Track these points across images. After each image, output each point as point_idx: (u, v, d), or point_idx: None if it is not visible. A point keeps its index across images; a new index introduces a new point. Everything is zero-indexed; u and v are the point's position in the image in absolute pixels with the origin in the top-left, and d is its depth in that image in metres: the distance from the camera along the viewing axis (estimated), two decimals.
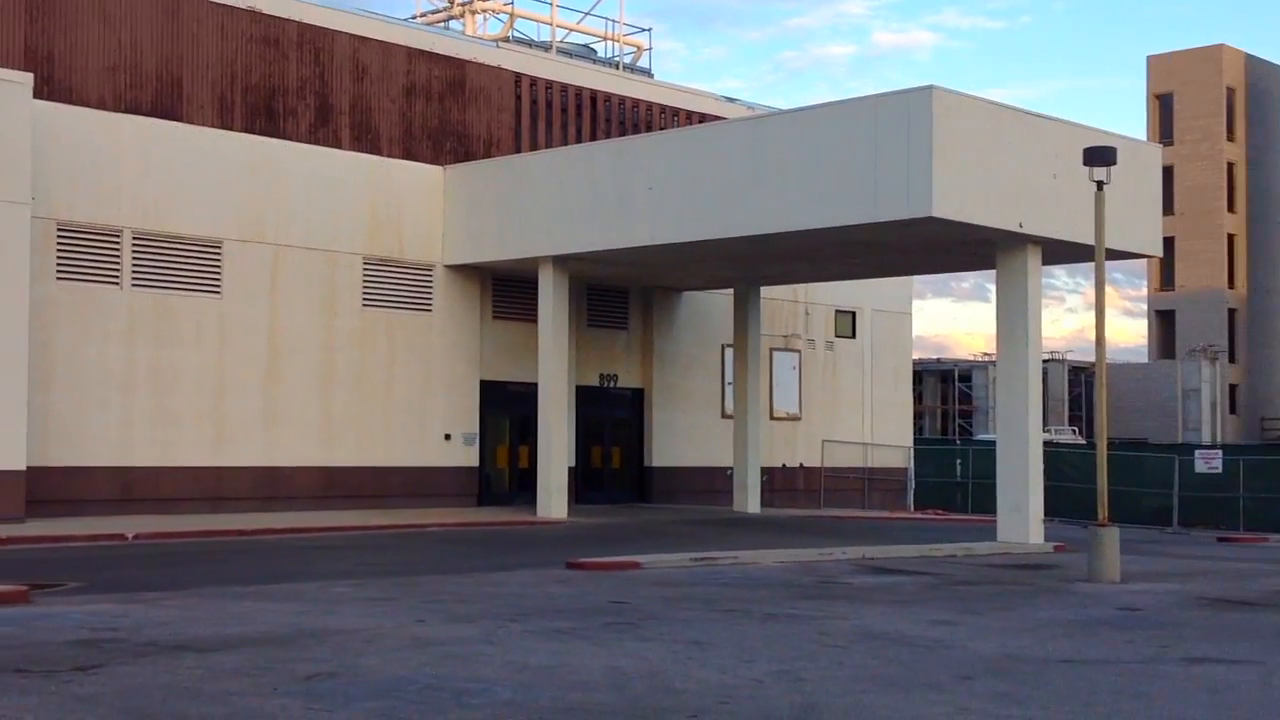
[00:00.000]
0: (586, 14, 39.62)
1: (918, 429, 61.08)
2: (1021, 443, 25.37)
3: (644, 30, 40.54)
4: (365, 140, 30.15)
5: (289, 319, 28.58)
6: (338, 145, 29.68)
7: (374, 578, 17.16)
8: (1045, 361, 70.04)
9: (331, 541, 22.95)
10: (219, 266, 27.77)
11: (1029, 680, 10.93)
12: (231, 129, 28.18)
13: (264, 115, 28.72)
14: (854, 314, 39.76)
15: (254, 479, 27.97)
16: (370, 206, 29.92)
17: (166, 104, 27.45)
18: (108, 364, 26.30)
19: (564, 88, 33.54)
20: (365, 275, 29.79)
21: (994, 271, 26.42)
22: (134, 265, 26.75)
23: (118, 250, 26.59)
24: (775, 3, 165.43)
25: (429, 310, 30.79)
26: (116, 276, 26.57)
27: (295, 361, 28.61)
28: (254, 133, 28.46)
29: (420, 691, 9.77)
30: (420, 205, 30.67)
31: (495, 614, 13.87)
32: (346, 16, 30.13)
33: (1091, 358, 22.28)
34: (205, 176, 27.63)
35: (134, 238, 26.76)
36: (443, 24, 39.00)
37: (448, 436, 30.90)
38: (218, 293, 27.73)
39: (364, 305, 29.74)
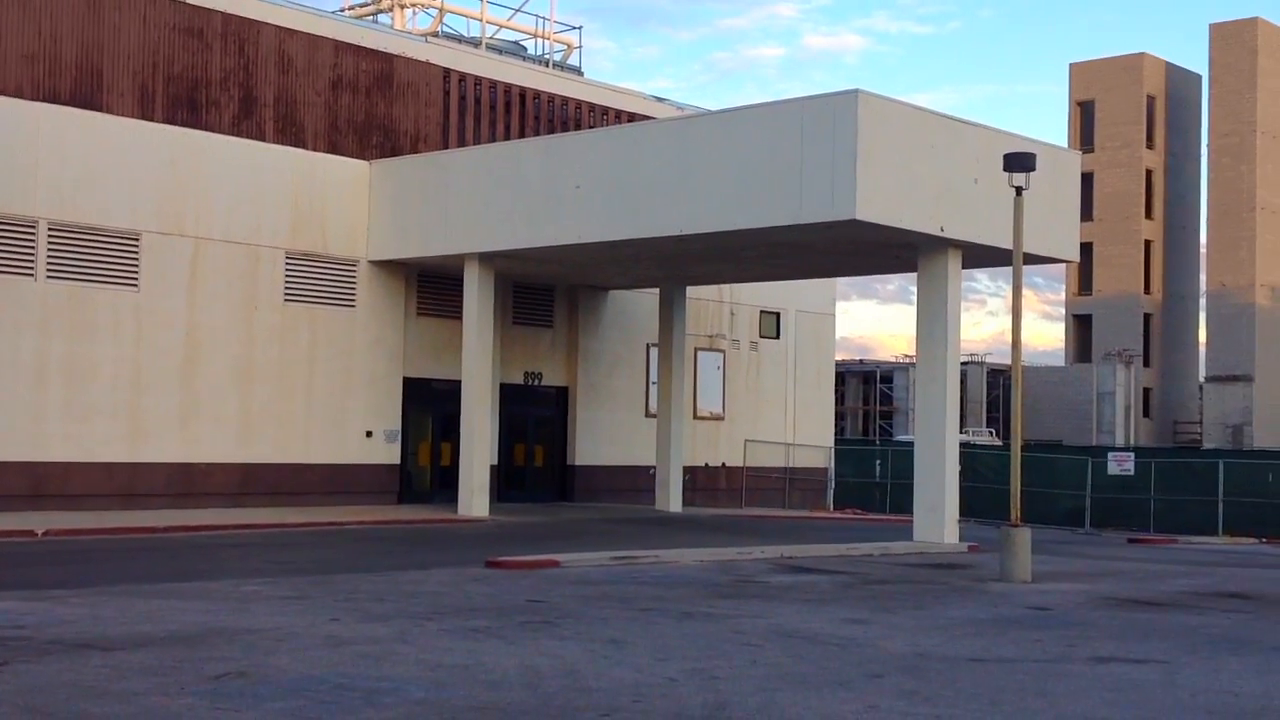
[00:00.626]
0: (517, 10, 39.50)
1: (839, 430, 61.61)
2: (939, 444, 25.70)
3: (574, 28, 40.53)
4: (290, 133, 29.83)
5: (208, 313, 28.22)
6: (261, 138, 29.33)
7: (288, 576, 17.00)
8: (964, 364, 71.06)
9: (247, 539, 22.70)
10: (137, 259, 27.35)
11: (938, 678, 11.09)
12: (152, 120, 27.75)
13: (186, 106, 28.32)
14: (778, 315, 40.03)
15: (169, 475, 27.58)
16: (294, 200, 29.61)
17: (86, 93, 26.97)
18: (20, 356, 25.80)
19: (493, 84, 33.41)
20: (288, 270, 29.48)
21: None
22: (49, 257, 26.27)
23: (32, 241, 26.09)
24: (707, 3, 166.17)
25: (352, 306, 30.54)
26: (31, 268, 26.08)
27: (214, 356, 28.26)
28: (175, 124, 28.05)
29: (331, 691, 9.71)
30: (345, 200, 30.41)
31: (411, 613, 13.82)
32: (272, 8, 29.78)
33: (1010, 360, 22.63)
34: (124, 167, 27.20)
35: (50, 229, 26.27)
36: (371, 17, 38.68)
37: (369, 433, 30.68)
38: (135, 286, 27.31)
39: (286, 300, 29.43)
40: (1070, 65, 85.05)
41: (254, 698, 9.40)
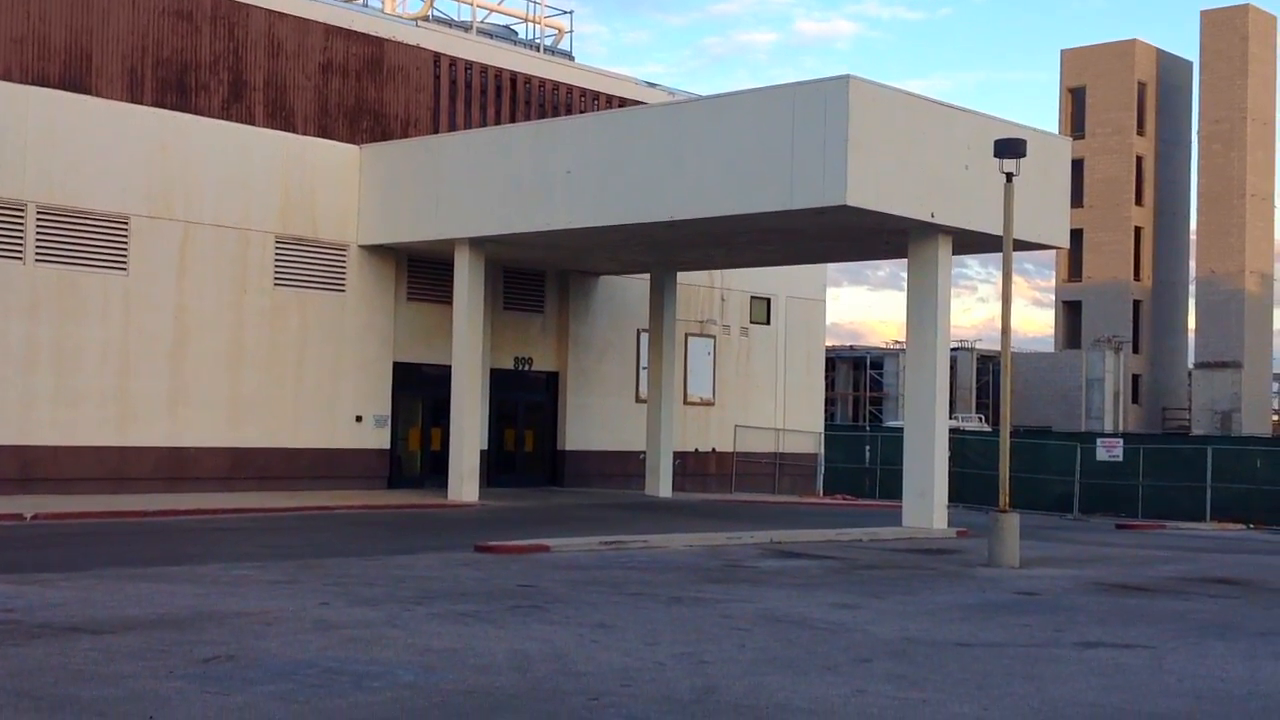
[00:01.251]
0: None
1: (829, 415, 61.72)
2: (928, 429, 25.74)
3: (565, 13, 40.41)
4: (280, 117, 29.73)
5: (197, 297, 28.15)
6: (251, 122, 29.23)
7: (278, 560, 17.00)
8: (954, 350, 71.13)
9: (236, 524, 22.69)
10: (126, 243, 27.27)
11: (926, 663, 11.13)
12: (141, 103, 27.65)
13: (175, 90, 28.21)
14: (769, 300, 40.04)
15: (159, 459, 27.54)
16: (283, 185, 29.53)
17: (75, 77, 26.85)
18: (8, 341, 25.73)
19: (484, 69, 33.33)
20: (277, 254, 29.41)
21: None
22: (38, 240, 26.18)
23: (21, 225, 26.00)
24: None
25: (342, 290, 30.49)
26: (20, 251, 25.98)
27: (203, 340, 28.20)
28: (165, 108, 27.94)
29: (320, 674, 9.72)
30: (335, 184, 30.33)
31: (400, 597, 13.83)
32: None
33: (1000, 346, 22.66)
34: (113, 151, 27.10)
35: (39, 212, 26.18)
36: (361, 1, 38.51)
37: (359, 418, 30.65)
38: (124, 269, 27.23)
39: (276, 285, 29.37)
40: (1062, 51, 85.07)
41: (243, 681, 9.41)
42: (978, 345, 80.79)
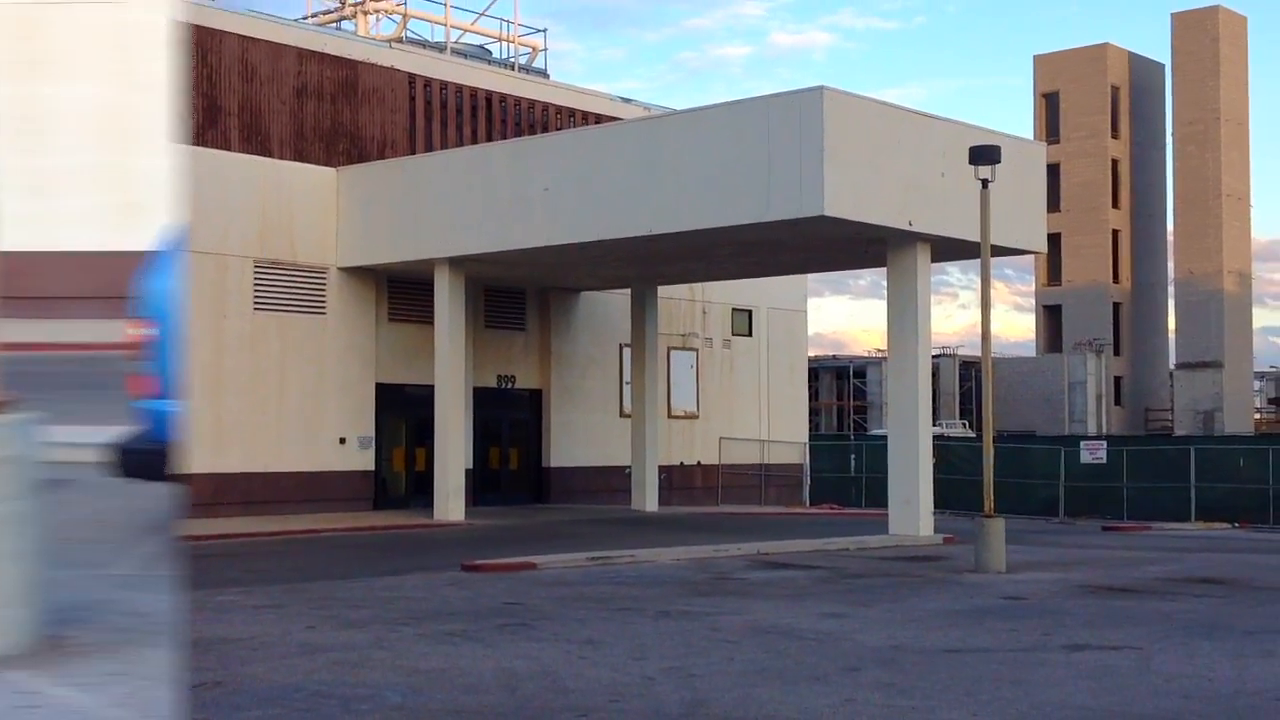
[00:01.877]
0: (481, 14, 39.48)
1: (814, 425, 61.70)
2: (912, 437, 25.78)
3: (539, 31, 40.52)
4: (255, 142, 29.69)
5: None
6: (226, 147, 29.18)
7: (263, 585, 16.93)
8: (936, 357, 71.33)
9: (221, 549, 22.56)
10: None
11: (914, 670, 11.14)
12: None
13: None
14: (750, 312, 40.09)
15: None
16: (261, 209, 29.47)
17: None
18: None
19: (459, 88, 33.35)
20: (256, 278, 29.34)
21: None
22: None
23: None
24: (672, 4, 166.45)
25: (323, 313, 30.43)
26: None
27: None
28: None
29: (308, 699, 9.68)
30: (313, 207, 30.29)
31: (387, 619, 13.78)
32: (235, 17, 29.65)
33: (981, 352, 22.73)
34: None
35: None
36: (334, 25, 38.56)
37: (342, 440, 30.57)
38: None
39: (255, 309, 29.29)
40: (1034, 57, 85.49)
41: (230, 707, 9.37)
42: (960, 351, 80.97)
